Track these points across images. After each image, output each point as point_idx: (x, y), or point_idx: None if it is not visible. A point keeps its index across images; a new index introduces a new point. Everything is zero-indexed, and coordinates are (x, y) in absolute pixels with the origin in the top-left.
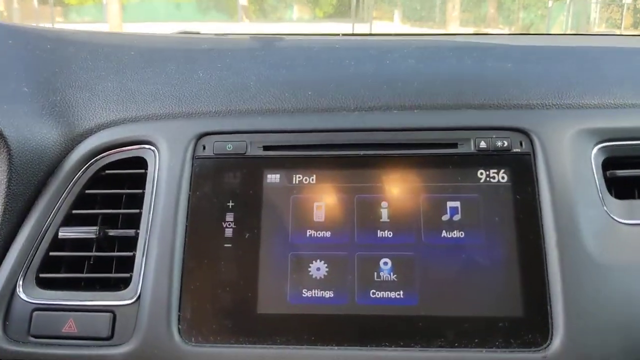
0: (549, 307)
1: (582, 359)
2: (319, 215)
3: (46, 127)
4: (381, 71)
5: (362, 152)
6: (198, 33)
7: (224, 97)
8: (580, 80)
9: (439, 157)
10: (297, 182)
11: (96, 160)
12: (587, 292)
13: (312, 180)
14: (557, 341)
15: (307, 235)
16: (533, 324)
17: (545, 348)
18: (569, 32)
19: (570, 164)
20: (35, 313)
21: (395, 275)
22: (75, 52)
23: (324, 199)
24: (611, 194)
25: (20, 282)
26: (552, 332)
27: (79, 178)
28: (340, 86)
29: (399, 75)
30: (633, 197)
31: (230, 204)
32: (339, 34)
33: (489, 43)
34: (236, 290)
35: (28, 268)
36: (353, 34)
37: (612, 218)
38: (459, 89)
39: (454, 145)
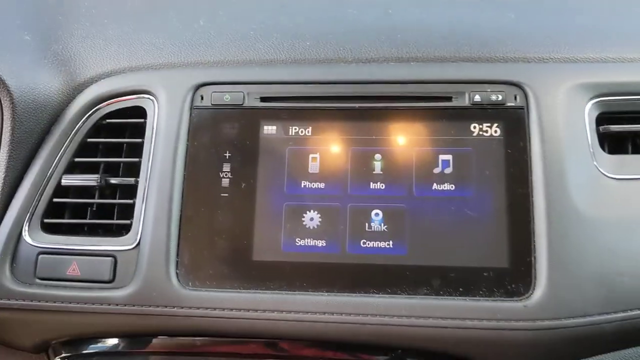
0: (533, 259)
1: (562, 309)
2: (313, 166)
3: (48, 76)
4: (382, 22)
5: (357, 105)
6: None
7: (223, 47)
8: (579, 33)
9: (434, 111)
10: (293, 133)
11: (97, 110)
12: (571, 245)
13: (308, 132)
14: (538, 291)
15: (302, 186)
16: (517, 275)
17: (527, 298)
18: None
19: (563, 118)
20: (40, 256)
21: (385, 226)
22: (77, 0)
23: (319, 151)
24: (604, 149)
25: (26, 227)
26: (534, 282)
27: (80, 127)
28: (339, 37)
29: (399, 26)
30: (626, 153)
31: (227, 154)
32: None
33: None
34: (232, 238)
35: (33, 214)
36: None
37: (602, 173)
38: (457, 42)
39: (449, 99)
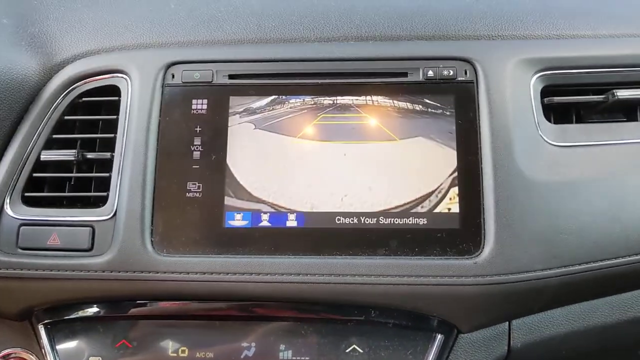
0: (482, 220)
1: (509, 265)
2: None
3: (26, 58)
4: (344, 2)
5: (320, 81)
6: None
7: (193, 27)
8: (528, 11)
9: (391, 85)
10: (259, 108)
11: (73, 89)
12: (516, 207)
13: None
14: (487, 249)
15: None
16: (467, 235)
17: (477, 255)
18: None
19: (510, 91)
20: (22, 228)
21: None
22: None
23: None
24: (550, 119)
25: (7, 200)
26: (483, 242)
27: (58, 105)
28: (302, 17)
29: (359, 6)
30: (570, 122)
31: (198, 128)
32: None
33: None
34: (203, 207)
35: (14, 188)
36: None
37: (545, 140)
38: (412, 21)
39: (405, 74)
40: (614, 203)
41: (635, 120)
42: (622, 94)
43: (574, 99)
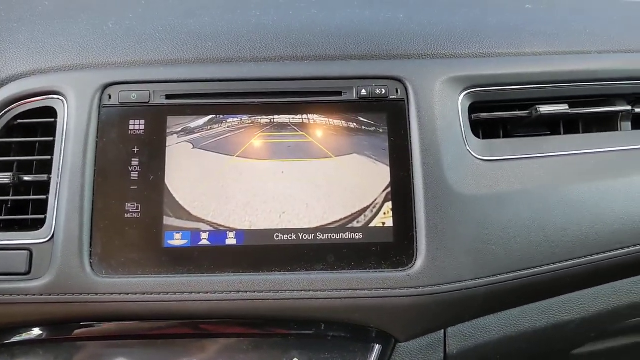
0: (414, 233)
1: (440, 275)
2: None
3: None
4: (280, 22)
5: (256, 100)
6: None
7: (130, 48)
8: (456, 30)
9: (326, 104)
10: (196, 128)
11: (8, 111)
12: (446, 220)
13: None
14: (419, 262)
15: None
16: (401, 248)
17: (410, 267)
18: None
19: (439, 108)
20: None
21: None
22: None
23: None
24: (478, 135)
25: None
26: (416, 254)
27: None
28: (239, 37)
29: (294, 26)
30: (497, 137)
31: (136, 149)
32: None
33: None
34: (142, 227)
35: None
36: None
37: (473, 155)
38: (346, 41)
39: (339, 94)
40: (538, 214)
41: (559, 134)
42: (545, 109)
43: (500, 115)
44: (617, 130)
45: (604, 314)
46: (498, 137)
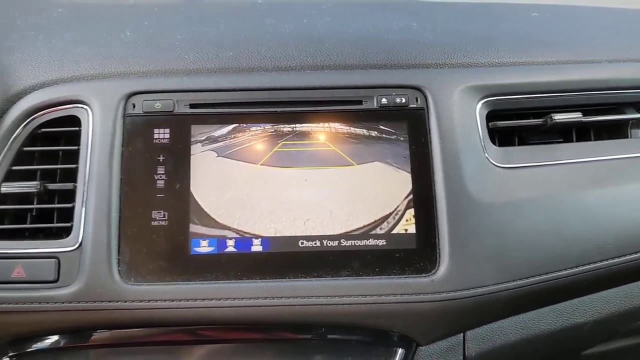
0: (437, 240)
1: (463, 281)
2: None
3: None
4: (297, 31)
5: (279, 109)
6: None
7: (151, 57)
8: (471, 40)
9: (347, 113)
10: (221, 136)
11: (32, 120)
12: (467, 227)
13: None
14: (442, 268)
15: None
16: (424, 254)
17: (433, 273)
18: None
19: (457, 116)
20: None
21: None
22: (3, 11)
23: None
24: (495, 142)
25: None
26: (439, 261)
27: (17, 136)
28: (259, 46)
29: (313, 35)
30: (513, 145)
31: (161, 157)
32: None
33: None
34: (169, 235)
35: None
36: None
37: (492, 163)
38: (365, 50)
39: (360, 102)
40: (554, 220)
41: (571, 141)
42: (559, 117)
43: (516, 123)
44: (628, 137)
45: (616, 316)
46: (513, 144)
